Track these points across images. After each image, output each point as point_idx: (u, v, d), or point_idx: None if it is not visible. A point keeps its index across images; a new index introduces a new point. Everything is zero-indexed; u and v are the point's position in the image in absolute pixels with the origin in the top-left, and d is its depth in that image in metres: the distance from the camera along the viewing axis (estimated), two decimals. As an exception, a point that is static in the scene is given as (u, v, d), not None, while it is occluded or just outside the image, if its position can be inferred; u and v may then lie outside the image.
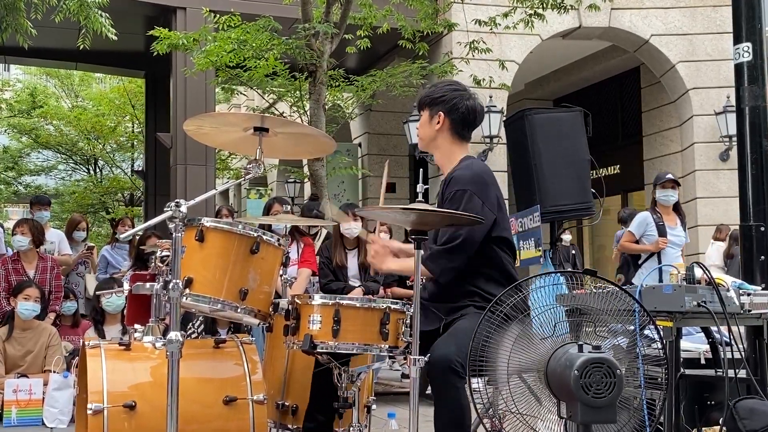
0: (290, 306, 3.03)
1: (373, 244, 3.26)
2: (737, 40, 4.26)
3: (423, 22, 9.41)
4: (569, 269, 9.93)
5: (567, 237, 11.34)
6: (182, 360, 2.68)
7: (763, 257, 4.05)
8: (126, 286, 4.52)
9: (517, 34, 9.99)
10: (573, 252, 11.36)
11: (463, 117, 3.24)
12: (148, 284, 2.96)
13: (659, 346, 2.82)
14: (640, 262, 6.84)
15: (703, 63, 11.25)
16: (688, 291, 3.24)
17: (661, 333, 2.98)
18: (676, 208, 6.87)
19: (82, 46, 8.04)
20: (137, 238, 6.58)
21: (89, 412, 2.91)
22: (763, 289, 3.74)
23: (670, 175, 6.77)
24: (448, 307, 3.12)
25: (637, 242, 6.81)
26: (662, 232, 6.67)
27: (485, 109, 11.25)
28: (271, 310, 3.11)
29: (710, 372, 3.70)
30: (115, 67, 14.85)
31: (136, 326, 3.19)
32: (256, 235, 3.02)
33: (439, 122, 3.25)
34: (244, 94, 14.07)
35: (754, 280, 3.99)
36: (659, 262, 6.55)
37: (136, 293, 3.09)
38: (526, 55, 11.29)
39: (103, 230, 23.11)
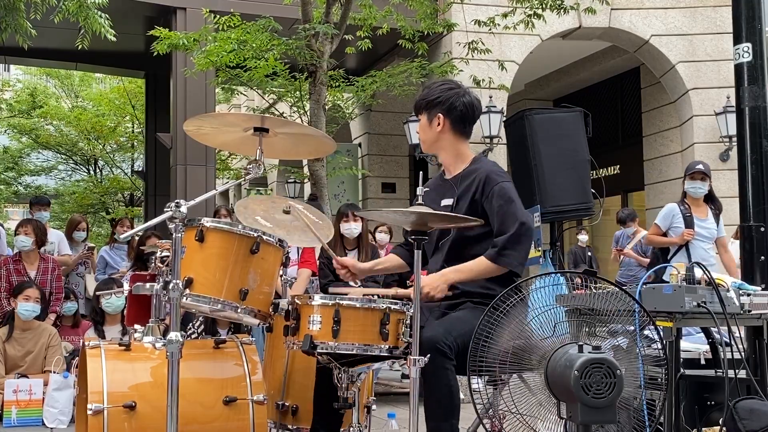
0: (290, 306, 3.02)
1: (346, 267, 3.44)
2: (737, 41, 4.26)
3: (423, 23, 9.42)
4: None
5: (584, 237, 11.14)
6: (182, 360, 2.68)
7: (763, 257, 4.05)
8: (126, 286, 4.52)
9: (517, 34, 10.00)
10: (589, 253, 11.23)
11: (462, 114, 3.26)
12: (148, 284, 2.95)
13: (659, 346, 2.82)
14: (669, 257, 6.41)
15: (703, 63, 11.25)
16: (688, 291, 3.24)
17: (661, 333, 2.98)
18: (710, 199, 6.43)
19: (81, 47, 8.05)
20: (137, 238, 6.59)
21: (89, 412, 2.91)
22: (763, 289, 3.75)
23: (700, 166, 6.31)
24: (446, 305, 3.14)
25: (664, 235, 6.41)
26: (689, 224, 6.24)
27: (486, 110, 11.25)
28: (271, 310, 3.11)
29: (710, 372, 3.71)
30: (115, 68, 14.83)
31: (136, 326, 3.19)
32: (256, 235, 3.02)
33: (439, 124, 3.27)
34: (244, 95, 14.07)
35: (754, 280, 3.99)
36: (688, 256, 6.16)
37: (136, 294, 3.09)
38: (526, 56, 11.28)
39: (103, 230, 23.10)
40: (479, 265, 3.09)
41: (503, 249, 3.04)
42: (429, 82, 9.74)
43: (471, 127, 3.34)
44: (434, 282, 3.09)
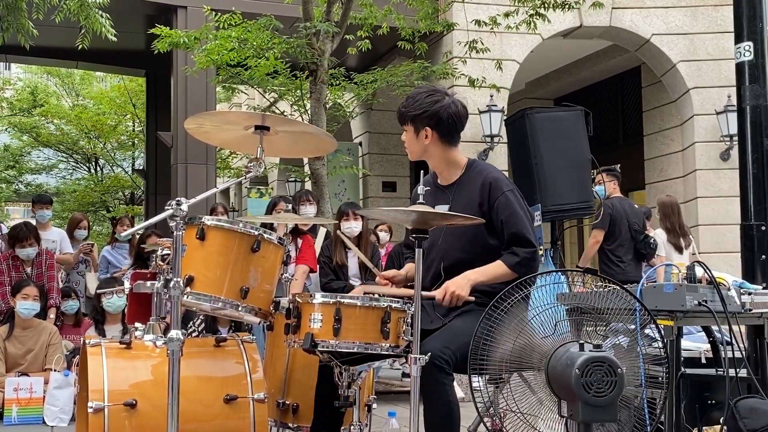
0: (291, 304, 3.02)
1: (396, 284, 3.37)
2: (738, 40, 4.26)
3: (422, 22, 9.41)
4: None
5: None
6: (183, 358, 2.68)
7: (764, 256, 4.05)
8: (127, 284, 4.52)
9: (518, 33, 9.99)
10: None
11: (449, 126, 3.24)
12: (149, 283, 2.95)
13: (660, 345, 2.82)
14: None
15: (704, 62, 11.24)
16: (689, 290, 3.24)
17: (662, 332, 2.98)
18: None
19: (82, 46, 8.04)
20: (137, 236, 6.58)
21: (90, 410, 2.91)
22: (763, 288, 3.74)
23: None
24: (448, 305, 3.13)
25: None
26: None
27: (486, 108, 11.18)
28: (272, 308, 3.11)
29: (711, 371, 3.70)
30: (116, 66, 14.86)
31: (137, 325, 3.18)
32: (257, 233, 3.02)
33: (427, 137, 3.25)
34: (245, 93, 14.07)
35: (754, 279, 3.98)
36: None
37: (137, 292, 3.09)
38: (527, 55, 11.28)
39: (104, 229, 23.09)
40: (499, 269, 3.11)
41: (525, 261, 3.08)
42: (433, 81, 9.73)
43: (459, 135, 3.33)
44: (460, 283, 3.07)
